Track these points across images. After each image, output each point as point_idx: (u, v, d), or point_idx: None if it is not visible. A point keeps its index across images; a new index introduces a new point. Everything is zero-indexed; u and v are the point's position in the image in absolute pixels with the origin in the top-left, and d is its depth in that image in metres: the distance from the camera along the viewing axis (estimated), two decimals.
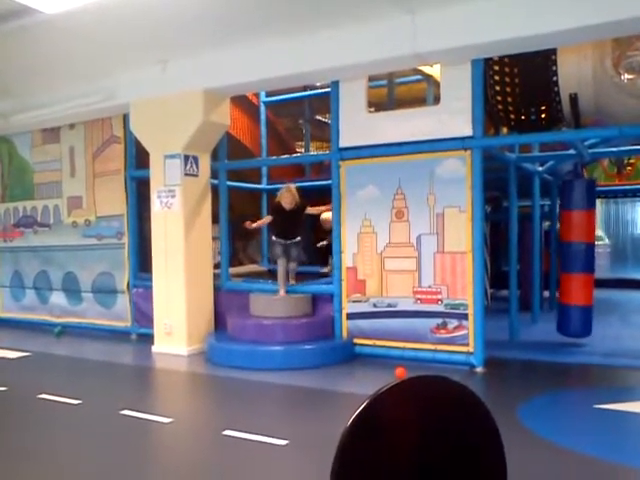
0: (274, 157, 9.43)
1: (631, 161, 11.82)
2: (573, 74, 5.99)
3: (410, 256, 6.08)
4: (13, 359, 6.73)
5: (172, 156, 6.88)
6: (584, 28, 4.78)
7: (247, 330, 6.48)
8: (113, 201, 8.03)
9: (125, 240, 7.93)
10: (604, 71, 5.83)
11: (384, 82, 8.64)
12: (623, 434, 3.96)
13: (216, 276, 7.42)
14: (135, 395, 5.29)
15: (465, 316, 5.78)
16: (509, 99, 6.26)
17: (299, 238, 6.90)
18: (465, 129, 5.72)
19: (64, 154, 8.56)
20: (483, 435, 1.91)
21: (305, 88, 9.33)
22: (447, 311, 5.87)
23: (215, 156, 7.42)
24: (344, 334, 6.44)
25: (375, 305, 6.27)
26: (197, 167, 7.02)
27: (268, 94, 9.48)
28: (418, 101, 8.16)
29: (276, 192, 9.50)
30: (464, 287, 5.78)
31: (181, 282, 6.87)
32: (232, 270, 7.99)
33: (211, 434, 4.08)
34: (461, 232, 5.79)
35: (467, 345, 5.77)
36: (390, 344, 6.14)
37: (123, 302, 8.00)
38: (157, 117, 6.94)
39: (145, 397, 5.29)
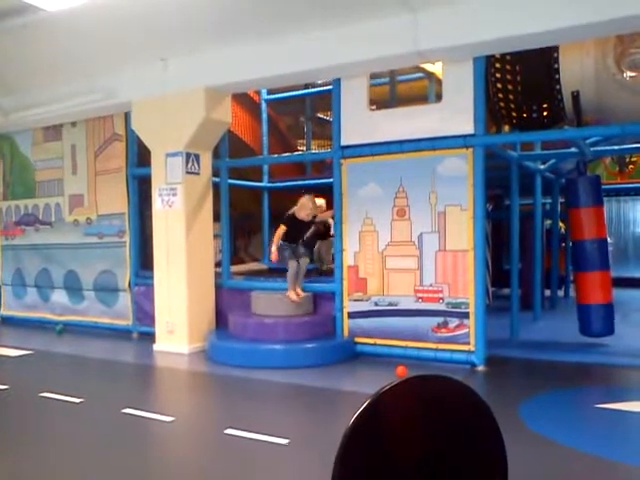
0: (275, 155, 9.42)
1: (633, 159, 11.81)
2: (575, 72, 5.98)
3: (411, 255, 6.07)
4: (15, 357, 6.73)
5: (174, 154, 6.87)
6: (586, 25, 4.77)
7: (248, 328, 6.48)
8: (115, 199, 8.02)
9: (126, 238, 7.93)
10: (606, 68, 5.81)
11: (386, 80, 8.62)
12: (623, 433, 3.95)
13: (217, 274, 7.43)
14: (137, 394, 5.29)
15: (466, 315, 5.77)
16: (511, 97, 6.25)
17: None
18: (467, 127, 5.71)
19: (66, 152, 8.55)
20: (484, 433, 1.91)
21: (307, 86, 9.32)
22: (448, 310, 5.86)
23: (217, 154, 7.42)
24: (345, 333, 6.43)
25: (376, 304, 6.26)
26: (198, 165, 7.02)
27: (269, 92, 9.47)
28: (420, 99, 8.15)
29: (277, 190, 9.58)
30: (465, 286, 5.77)
31: (182, 280, 6.87)
32: (233, 268, 7.99)
33: (213, 433, 4.08)
34: (463, 230, 5.78)
35: (468, 344, 5.76)
36: (391, 343, 6.14)
37: (124, 300, 8.00)
38: (158, 115, 6.93)
39: (147, 396, 5.29)
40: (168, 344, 6.96)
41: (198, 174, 7.02)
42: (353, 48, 5.77)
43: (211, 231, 7.29)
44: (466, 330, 5.77)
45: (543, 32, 4.94)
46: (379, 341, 6.23)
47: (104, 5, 5.42)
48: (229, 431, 4.00)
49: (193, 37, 6.20)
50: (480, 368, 5.68)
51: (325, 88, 8.43)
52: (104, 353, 6.93)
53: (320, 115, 11.31)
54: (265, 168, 9.64)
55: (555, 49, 5.92)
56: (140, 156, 7.77)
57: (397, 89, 8.57)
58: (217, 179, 7.44)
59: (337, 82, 6.43)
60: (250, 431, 3.97)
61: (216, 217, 7.45)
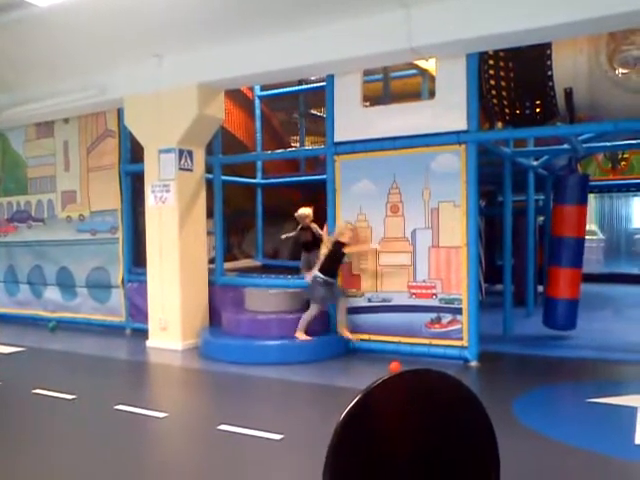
0: (269, 151, 9.40)
1: (625, 156, 11.85)
2: (568, 68, 5.99)
3: (405, 251, 6.08)
4: (7, 354, 6.70)
5: (167, 150, 6.85)
6: (579, 22, 4.79)
7: (242, 325, 6.48)
8: (107, 196, 7.99)
9: (119, 235, 7.91)
10: (599, 65, 5.83)
11: (379, 76, 8.61)
12: (614, 427, 3.97)
13: (211, 271, 7.41)
14: (130, 390, 5.28)
15: (459, 310, 5.79)
16: (504, 93, 6.25)
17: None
18: (460, 123, 5.72)
19: (58, 148, 8.51)
20: (477, 428, 1.92)
21: (300, 82, 9.30)
22: (441, 305, 5.88)
23: (210, 150, 7.40)
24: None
25: (370, 300, 6.27)
26: (192, 161, 7.00)
27: (263, 88, 9.44)
28: (413, 96, 8.15)
29: (271, 187, 9.56)
30: (458, 282, 5.79)
31: (176, 277, 6.85)
32: (227, 265, 7.98)
33: (206, 429, 4.08)
34: (456, 227, 5.80)
35: (461, 339, 5.78)
36: (385, 339, 6.15)
37: (117, 297, 7.98)
38: (151, 111, 6.91)
39: (140, 392, 5.28)
40: (161, 341, 6.94)
41: (191, 170, 7.00)
42: (346, 44, 5.77)
43: (204, 228, 7.27)
44: (459, 326, 5.79)
45: (536, 29, 4.95)
46: (373, 337, 6.24)
47: (96, 1, 5.39)
48: (222, 427, 4.00)
49: (186, 34, 6.18)
50: (473, 363, 5.70)
51: (318, 84, 8.42)
52: (97, 350, 6.92)
53: (314, 111, 11.30)
54: (259, 164, 9.61)
55: (548, 46, 5.93)
56: (133, 152, 7.74)
57: (390, 86, 8.56)
58: (210, 175, 7.42)
59: (330, 78, 6.43)
60: (243, 427, 3.97)
61: (209, 214, 7.43)
